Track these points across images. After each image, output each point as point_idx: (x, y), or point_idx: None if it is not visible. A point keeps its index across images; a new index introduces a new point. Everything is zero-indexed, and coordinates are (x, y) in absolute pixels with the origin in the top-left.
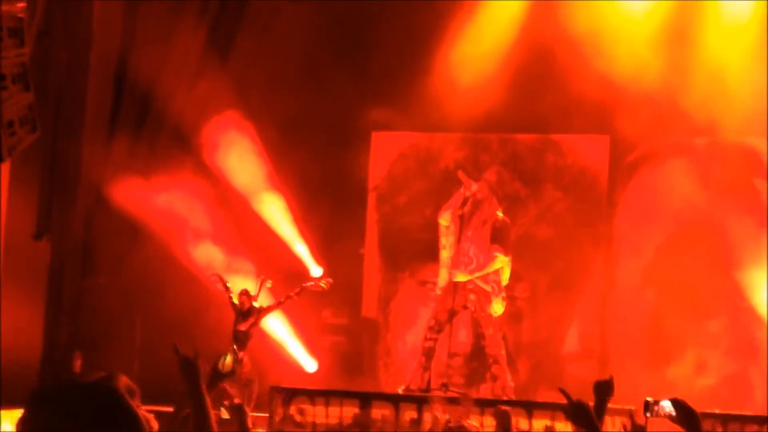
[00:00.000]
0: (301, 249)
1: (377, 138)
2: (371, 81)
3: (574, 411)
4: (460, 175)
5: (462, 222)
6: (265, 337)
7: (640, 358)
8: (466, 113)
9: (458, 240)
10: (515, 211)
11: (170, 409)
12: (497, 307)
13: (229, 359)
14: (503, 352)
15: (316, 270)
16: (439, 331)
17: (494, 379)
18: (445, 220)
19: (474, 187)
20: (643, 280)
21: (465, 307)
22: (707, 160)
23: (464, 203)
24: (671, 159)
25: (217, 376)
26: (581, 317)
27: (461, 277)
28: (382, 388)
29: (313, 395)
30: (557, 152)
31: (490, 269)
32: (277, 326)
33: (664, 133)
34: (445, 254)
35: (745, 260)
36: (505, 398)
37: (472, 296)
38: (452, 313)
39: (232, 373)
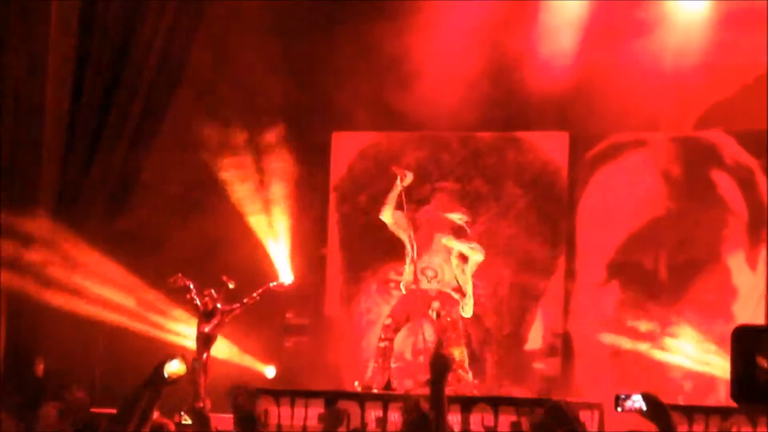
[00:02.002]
0: (265, 251)
1: (337, 138)
2: (331, 81)
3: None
4: (395, 169)
5: (416, 228)
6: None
7: (604, 354)
8: (425, 112)
9: (417, 253)
10: (476, 209)
11: None
12: (468, 310)
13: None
14: (465, 354)
15: (286, 277)
16: (395, 331)
17: (458, 380)
18: (387, 217)
19: (409, 176)
20: (605, 275)
21: (426, 314)
22: (666, 154)
23: (402, 199)
24: (631, 154)
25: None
26: (544, 314)
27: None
28: (347, 387)
29: (278, 395)
30: (517, 149)
31: (473, 264)
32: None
33: (623, 129)
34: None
35: (707, 254)
36: (469, 395)
37: (435, 303)
38: (410, 318)
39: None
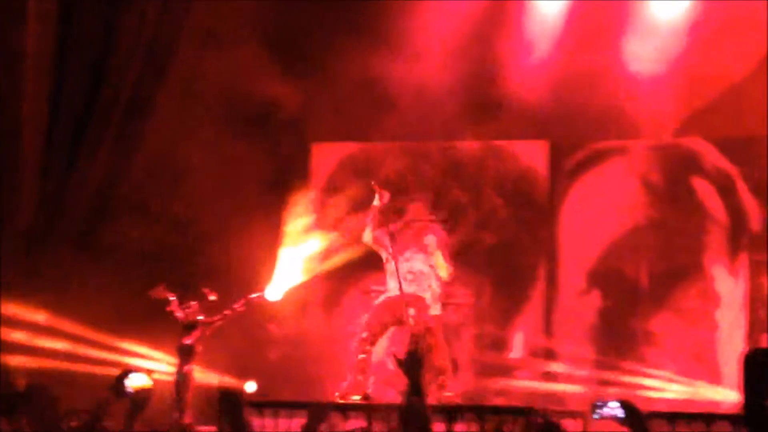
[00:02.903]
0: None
1: (317, 149)
2: (310, 91)
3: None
4: (374, 186)
5: (394, 241)
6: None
7: (587, 362)
8: (405, 122)
9: (396, 260)
10: (457, 219)
11: None
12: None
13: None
14: (447, 361)
15: (273, 294)
16: (372, 344)
17: (441, 388)
18: (367, 238)
19: (386, 196)
20: (586, 283)
21: (401, 323)
22: (646, 162)
23: (385, 216)
24: (611, 162)
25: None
26: (526, 323)
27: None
28: (330, 398)
29: (261, 407)
30: (497, 158)
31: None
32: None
33: (603, 137)
34: (391, 266)
35: (688, 260)
36: (453, 404)
37: (411, 310)
38: (386, 327)
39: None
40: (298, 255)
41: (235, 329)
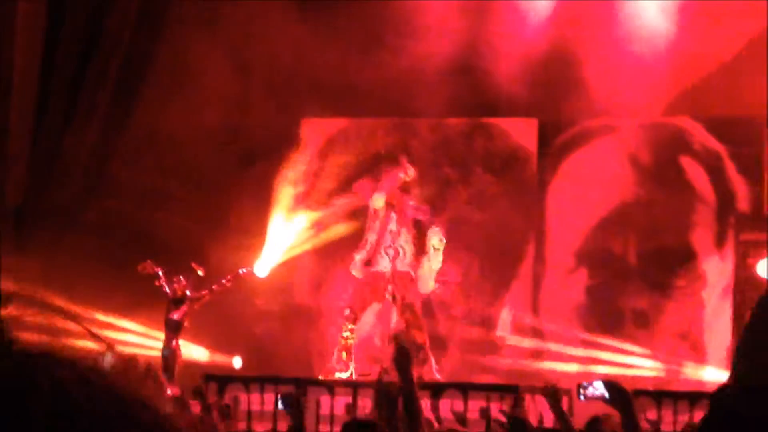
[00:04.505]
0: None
1: (306, 125)
2: (300, 67)
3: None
4: (402, 159)
5: (387, 210)
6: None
7: (574, 341)
8: (395, 98)
9: (384, 229)
10: (446, 196)
11: None
12: (428, 284)
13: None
14: (426, 336)
15: (261, 269)
16: (355, 321)
17: (423, 363)
18: (379, 203)
19: (411, 171)
20: (574, 261)
21: (383, 298)
22: (635, 140)
23: (400, 188)
24: (600, 140)
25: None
26: (513, 300)
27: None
28: (317, 373)
29: (247, 382)
30: (487, 136)
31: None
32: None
33: (592, 115)
34: (372, 237)
35: (675, 239)
36: (434, 380)
37: (390, 286)
38: (367, 303)
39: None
40: (286, 231)
41: (222, 304)
